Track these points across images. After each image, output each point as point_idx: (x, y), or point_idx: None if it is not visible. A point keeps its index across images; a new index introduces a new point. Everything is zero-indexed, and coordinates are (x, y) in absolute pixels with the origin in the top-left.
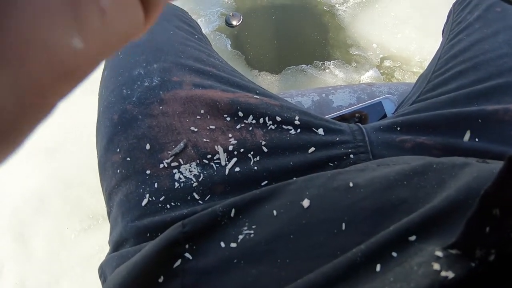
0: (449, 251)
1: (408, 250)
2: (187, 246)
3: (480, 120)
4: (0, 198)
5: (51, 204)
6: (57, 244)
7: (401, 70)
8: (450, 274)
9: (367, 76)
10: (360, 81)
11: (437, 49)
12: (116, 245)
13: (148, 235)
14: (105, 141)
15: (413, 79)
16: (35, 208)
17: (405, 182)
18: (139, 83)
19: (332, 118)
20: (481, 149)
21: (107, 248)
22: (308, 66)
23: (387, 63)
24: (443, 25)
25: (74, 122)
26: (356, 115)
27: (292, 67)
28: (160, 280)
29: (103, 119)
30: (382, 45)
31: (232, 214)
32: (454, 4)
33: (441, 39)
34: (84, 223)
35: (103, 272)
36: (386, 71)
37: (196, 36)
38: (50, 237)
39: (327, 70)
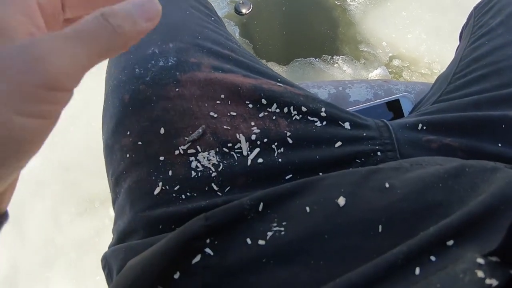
0: (489, 258)
1: (446, 255)
2: (208, 240)
3: (504, 126)
4: None
5: (47, 187)
6: (52, 227)
7: (409, 71)
8: (494, 282)
9: (375, 74)
10: (368, 78)
11: (445, 52)
12: (123, 235)
13: (160, 227)
14: (114, 123)
15: (421, 80)
16: (30, 191)
17: (440, 185)
18: (153, 62)
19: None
20: (505, 154)
21: (103, 233)
22: (317, 59)
23: (395, 62)
24: (461, 28)
25: (72, 105)
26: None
27: (300, 59)
28: (176, 276)
29: (112, 99)
30: (391, 44)
31: (260, 208)
32: (475, 8)
33: (450, 43)
34: (80, 207)
35: (108, 263)
36: (394, 70)
37: (212, 18)
38: (45, 220)
39: (335, 65)
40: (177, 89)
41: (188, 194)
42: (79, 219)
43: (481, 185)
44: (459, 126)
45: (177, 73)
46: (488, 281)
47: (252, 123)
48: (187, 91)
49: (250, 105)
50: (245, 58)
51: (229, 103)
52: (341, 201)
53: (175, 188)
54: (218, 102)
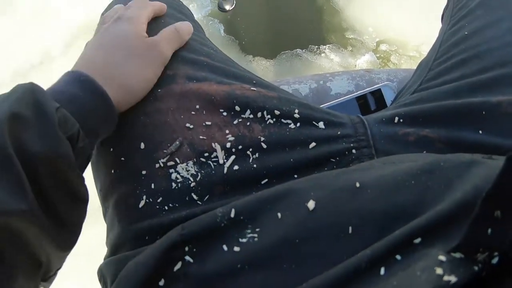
0: (453, 255)
1: (412, 253)
2: (186, 248)
3: (484, 112)
4: None
5: None
6: None
7: (397, 54)
8: (453, 279)
9: (363, 61)
10: (356, 65)
11: (433, 33)
12: (114, 248)
13: (147, 238)
14: (98, 141)
15: (409, 64)
16: None
17: (413, 182)
18: None
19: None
20: (486, 142)
21: None
22: (303, 50)
23: (383, 47)
24: (443, 9)
25: None
26: (361, 101)
27: (287, 51)
28: (161, 283)
29: None
30: (378, 29)
31: (232, 215)
32: None
33: (437, 23)
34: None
35: (103, 275)
36: (382, 55)
37: None
38: None
39: (322, 54)
40: (154, 104)
41: (170, 205)
42: (85, 227)
43: (456, 180)
44: (437, 116)
45: (154, 88)
46: (446, 277)
47: (227, 131)
48: (164, 105)
49: (225, 113)
50: (220, 62)
51: (204, 113)
52: (311, 205)
53: (158, 200)
54: (193, 113)
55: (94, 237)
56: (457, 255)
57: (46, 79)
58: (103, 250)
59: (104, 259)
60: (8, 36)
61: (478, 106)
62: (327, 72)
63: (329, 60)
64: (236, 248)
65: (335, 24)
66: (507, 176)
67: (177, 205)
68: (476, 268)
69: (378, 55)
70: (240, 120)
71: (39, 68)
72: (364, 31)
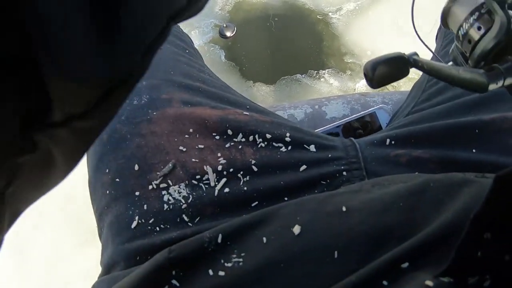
0: (441, 279)
1: (400, 278)
2: (174, 272)
3: (477, 131)
4: None
5: (49, 218)
6: (56, 258)
7: None
8: None
9: (362, 84)
10: (355, 89)
11: (429, 54)
12: (108, 267)
13: (138, 258)
14: (95, 161)
15: (407, 85)
16: (32, 223)
17: (401, 204)
18: (128, 101)
19: (327, 131)
20: (479, 160)
21: None
22: (303, 75)
23: None
24: (437, 30)
25: None
26: (355, 125)
27: (286, 77)
28: None
29: None
30: (376, 52)
31: (219, 240)
32: None
33: (433, 45)
34: (82, 237)
35: None
36: None
37: (187, 51)
38: (48, 251)
39: (321, 79)
40: (149, 126)
41: (162, 226)
42: (79, 249)
43: (447, 201)
44: (429, 137)
45: (149, 111)
46: None
47: (219, 154)
48: (158, 127)
49: (217, 137)
50: (215, 88)
51: (197, 136)
52: (296, 229)
53: (150, 221)
54: (187, 136)
55: (88, 262)
56: (446, 279)
57: None
58: (98, 274)
59: (98, 277)
60: None
61: (470, 125)
62: (324, 96)
63: (329, 85)
64: (221, 273)
65: (334, 48)
66: (495, 197)
67: (168, 226)
68: None
69: None
70: (232, 143)
71: None
72: (363, 55)
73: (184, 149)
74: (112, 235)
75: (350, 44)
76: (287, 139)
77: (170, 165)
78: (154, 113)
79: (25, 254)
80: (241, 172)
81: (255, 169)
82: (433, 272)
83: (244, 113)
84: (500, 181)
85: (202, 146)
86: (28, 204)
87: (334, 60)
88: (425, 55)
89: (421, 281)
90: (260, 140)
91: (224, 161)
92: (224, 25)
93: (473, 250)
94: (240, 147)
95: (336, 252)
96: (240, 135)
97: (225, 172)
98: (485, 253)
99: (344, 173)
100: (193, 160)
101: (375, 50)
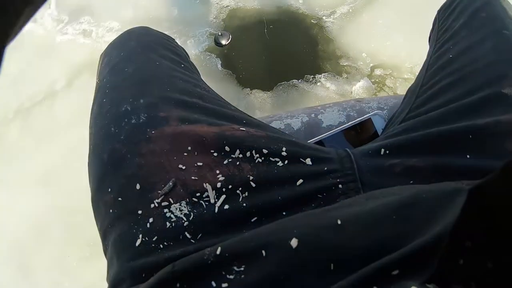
0: (427, 285)
1: (389, 285)
2: (178, 285)
3: (470, 136)
4: (0, 230)
5: (52, 233)
6: (60, 273)
7: (392, 78)
8: None
9: (359, 87)
10: (352, 92)
11: (425, 54)
12: (113, 284)
13: (143, 275)
14: (96, 181)
15: (404, 86)
16: (36, 238)
17: (394, 217)
18: (126, 120)
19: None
20: (474, 166)
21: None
22: (299, 80)
23: (378, 71)
24: (429, 33)
25: (75, 151)
26: (352, 132)
27: (283, 83)
28: None
29: (93, 157)
30: (371, 54)
31: (218, 252)
32: (438, 11)
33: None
34: (85, 251)
35: None
36: (377, 80)
37: (182, 65)
38: (52, 266)
39: (318, 83)
40: (148, 145)
41: (165, 243)
42: (84, 263)
43: (439, 211)
44: (423, 145)
45: (148, 130)
46: None
47: (217, 171)
48: (157, 146)
49: (215, 154)
50: (212, 103)
51: (196, 154)
52: (294, 242)
53: (154, 239)
54: (185, 154)
55: (92, 275)
56: (431, 286)
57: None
58: (103, 286)
59: None
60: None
61: (464, 131)
62: (320, 103)
63: (325, 89)
64: (224, 285)
65: (330, 52)
66: (470, 209)
67: (171, 243)
68: None
69: (373, 80)
70: (230, 160)
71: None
72: (359, 57)
73: (184, 167)
74: (117, 253)
75: (345, 47)
76: (284, 153)
77: (171, 183)
78: (153, 132)
79: (30, 269)
80: (240, 188)
81: (253, 184)
82: (420, 280)
83: (241, 128)
84: (474, 193)
85: (201, 164)
86: None
87: (329, 64)
88: (422, 57)
89: (408, 286)
90: (257, 155)
91: (223, 177)
92: (219, 33)
93: (455, 259)
94: (238, 163)
95: (332, 265)
96: (238, 151)
97: (224, 189)
98: (466, 261)
99: (340, 186)
100: (193, 178)
101: (370, 51)
